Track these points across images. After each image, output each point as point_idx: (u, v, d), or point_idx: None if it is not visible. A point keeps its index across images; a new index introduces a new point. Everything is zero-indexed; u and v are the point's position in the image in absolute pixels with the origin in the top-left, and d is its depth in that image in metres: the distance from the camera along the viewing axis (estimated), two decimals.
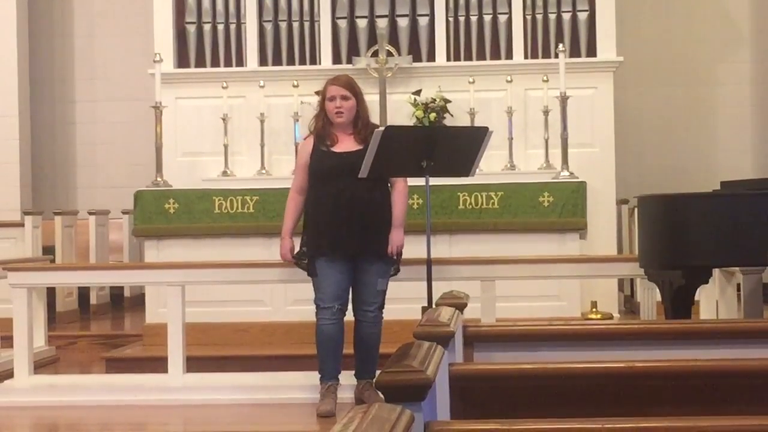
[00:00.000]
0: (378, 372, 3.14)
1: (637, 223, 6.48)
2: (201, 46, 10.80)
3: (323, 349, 6.50)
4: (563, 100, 9.34)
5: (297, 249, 6.64)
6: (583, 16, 10.45)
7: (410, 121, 10.22)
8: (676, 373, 3.63)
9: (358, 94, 6.60)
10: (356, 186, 6.34)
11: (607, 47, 10.45)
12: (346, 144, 6.50)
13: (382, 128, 6.21)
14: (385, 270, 6.50)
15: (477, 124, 9.62)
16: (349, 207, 6.36)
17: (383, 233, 6.45)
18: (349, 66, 10.35)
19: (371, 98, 9.43)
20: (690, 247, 5.70)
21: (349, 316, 6.56)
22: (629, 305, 10.45)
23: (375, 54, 10.44)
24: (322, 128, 6.57)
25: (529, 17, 10.57)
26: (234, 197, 8.70)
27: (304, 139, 6.81)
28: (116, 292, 12.04)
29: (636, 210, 7.77)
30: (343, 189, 6.37)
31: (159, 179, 9.29)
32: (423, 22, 10.57)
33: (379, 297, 6.51)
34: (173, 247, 8.69)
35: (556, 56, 9.69)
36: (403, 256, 6.64)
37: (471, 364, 4.09)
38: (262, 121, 10.24)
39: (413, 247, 6.91)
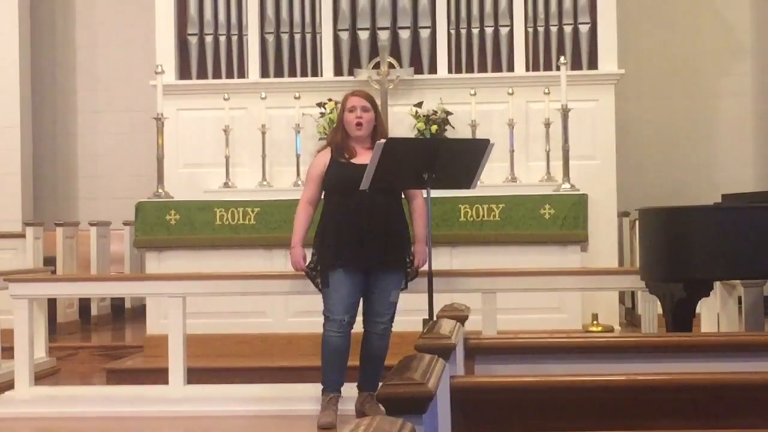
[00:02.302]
0: (380, 384, 3.14)
1: (638, 236, 6.48)
2: (203, 58, 10.81)
3: (328, 361, 6.49)
4: (564, 112, 9.35)
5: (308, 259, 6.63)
6: (584, 29, 10.47)
7: (412, 133, 10.23)
8: (677, 386, 3.63)
9: (376, 108, 6.66)
10: (376, 197, 6.33)
11: (608, 60, 10.46)
12: (364, 156, 6.46)
13: (383, 140, 6.20)
14: (399, 282, 6.52)
15: (478, 136, 9.63)
16: (370, 218, 6.36)
17: (400, 245, 6.49)
18: (351, 78, 10.37)
19: None
20: (691, 260, 5.70)
21: (356, 328, 6.55)
22: (630, 318, 10.44)
23: (377, 66, 10.45)
24: (341, 141, 6.58)
25: (530, 30, 10.58)
26: (235, 209, 8.69)
27: (319, 151, 6.80)
28: (117, 304, 12.03)
29: (637, 222, 7.77)
30: (364, 200, 6.34)
31: (160, 190, 9.28)
32: (424, 34, 10.59)
33: (391, 309, 6.52)
34: (174, 258, 8.69)
35: (558, 69, 9.68)
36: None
37: (472, 376, 4.08)
38: (263, 133, 10.25)
39: None
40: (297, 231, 6.62)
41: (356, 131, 6.53)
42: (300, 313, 8.23)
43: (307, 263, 6.58)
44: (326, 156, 6.61)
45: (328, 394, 6.49)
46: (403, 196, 6.65)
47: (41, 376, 8.13)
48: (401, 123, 10.40)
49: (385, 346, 6.56)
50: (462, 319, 4.27)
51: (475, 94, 10.04)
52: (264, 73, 10.75)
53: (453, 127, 10.34)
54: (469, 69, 10.63)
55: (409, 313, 7.05)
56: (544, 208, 8.56)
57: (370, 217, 6.36)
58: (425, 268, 6.45)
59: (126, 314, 12.03)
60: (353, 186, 6.34)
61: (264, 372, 7.77)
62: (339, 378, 6.53)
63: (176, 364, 7.14)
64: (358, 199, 6.35)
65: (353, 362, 6.63)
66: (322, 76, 10.63)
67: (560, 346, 4.36)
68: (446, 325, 3.76)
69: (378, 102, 10.06)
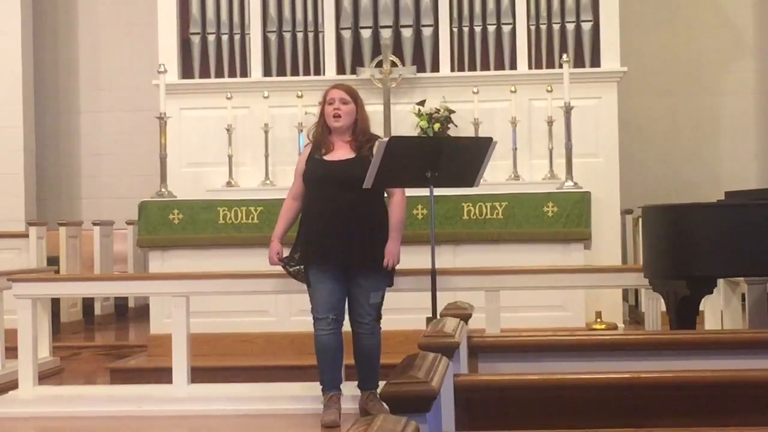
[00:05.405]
0: (382, 383, 3.14)
1: (642, 234, 6.48)
2: (205, 57, 10.82)
3: (322, 360, 6.50)
4: (567, 110, 9.34)
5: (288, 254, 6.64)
6: (587, 27, 10.46)
7: (414, 132, 10.23)
8: (681, 383, 3.62)
9: (357, 101, 6.59)
10: (343, 195, 6.33)
11: (611, 57, 10.45)
12: (340, 152, 6.50)
13: (386, 139, 6.18)
14: (378, 283, 6.44)
15: (481, 134, 9.63)
16: (334, 217, 6.34)
17: (374, 245, 6.39)
18: (354, 76, 10.36)
19: (375, 109, 9.45)
20: (694, 258, 5.70)
21: (348, 326, 6.55)
22: (634, 315, 10.44)
23: (379, 64, 10.45)
24: (321, 135, 6.58)
25: (533, 27, 10.58)
26: (238, 208, 8.70)
27: (305, 146, 6.82)
28: (121, 303, 12.05)
29: (640, 220, 7.77)
30: (330, 198, 6.36)
31: (163, 190, 9.29)
32: (427, 32, 10.59)
33: (373, 310, 6.46)
34: (178, 257, 8.69)
35: (560, 66, 9.69)
36: (408, 267, 6.64)
37: (476, 375, 4.08)
38: (266, 132, 10.26)
39: (417, 258, 6.90)
40: (277, 225, 6.71)
41: (334, 122, 6.51)
42: (303, 311, 8.15)
43: (283, 256, 6.60)
44: (307, 151, 6.65)
45: (327, 392, 6.49)
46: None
47: (45, 376, 8.14)
48: (404, 121, 10.40)
49: (376, 344, 6.53)
50: (465, 318, 4.26)
51: (477, 92, 10.03)
52: (266, 72, 10.75)
53: (456, 126, 10.34)
54: (472, 67, 10.63)
55: (412, 311, 7.07)
56: (547, 206, 8.55)
57: (335, 215, 6.33)
58: (428, 265, 6.43)
59: (129, 314, 12.05)
60: (321, 183, 6.41)
61: (267, 371, 7.78)
62: (335, 375, 6.53)
63: (180, 363, 7.14)
64: (325, 196, 6.39)
65: (352, 361, 6.64)
66: (324, 74, 10.62)
67: (564, 344, 4.36)
68: (450, 324, 3.76)
69: (381, 100, 10.17)
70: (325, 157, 6.50)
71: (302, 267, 6.54)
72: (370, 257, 6.38)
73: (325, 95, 6.63)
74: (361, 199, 6.35)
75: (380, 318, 6.52)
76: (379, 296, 6.46)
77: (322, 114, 6.62)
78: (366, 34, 10.62)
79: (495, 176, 9.77)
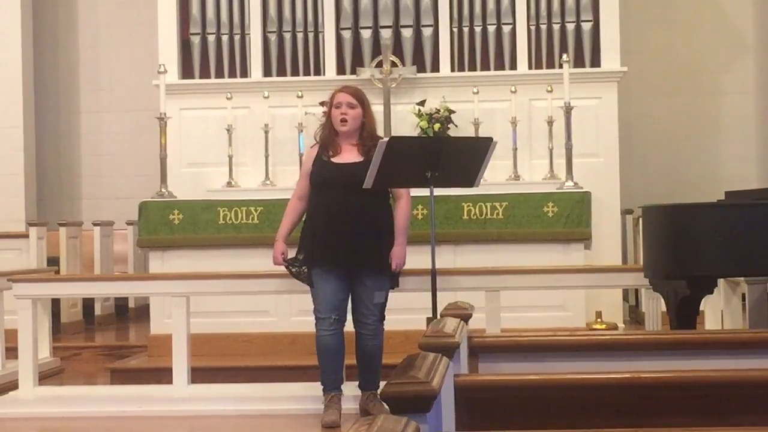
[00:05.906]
0: (383, 383, 3.14)
1: (642, 233, 6.47)
2: (205, 57, 10.82)
3: (323, 360, 6.50)
4: (567, 110, 9.33)
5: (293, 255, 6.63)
6: (587, 27, 10.47)
7: (414, 132, 10.23)
8: (681, 383, 3.62)
9: (365, 105, 6.59)
10: (349, 198, 6.33)
11: (611, 57, 10.46)
12: (347, 155, 6.50)
13: (386, 139, 6.19)
14: (382, 283, 6.45)
15: (481, 134, 9.63)
16: (340, 219, 6.35)
17: (378, 247, 6.41)
18: (354, 77, 10.36)
19: (375, 109, 9.38)
20: (695, 258, 5.70)
21: (350, 327, 6.55)
22: (634, 315, 10.44)
23: (379, 65, 10.45)
24: (328, 137, 6.58)
25: (533, 28, 10.58)
26: (238, 208, 8.69)
27: (311, 147, 6.82)
28: (121, 303, 12.04)
29: (641, 220, 7.77)
30: (336, 200, 6.36)
31: (163, 190, 9.28)
32: (427, 32, 10.59)
33: (376, 310, 6.47)
34: (178, 257, 8.69)
35: (561, 66, 9.69)
36: (408, 267, 6.63)
37: (476, 375, 4.08)
38: (266, 132, 10.26)
39: (417, 258, 6.90)
40: (282, 225, 6.71)
41: (341, 126, 6.51)
42: (303, 311, 8.17)
43: (288, 257, 6.60)
44: (314, 152, 6.64)
45: (328, 393, 6.49)
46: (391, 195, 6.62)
47: (45, 376, 8.14)
48: (404, 121, 10.41)
49: (378, 345, 6.53)
50: (466, 318, 4.26)
51: (477, 93, 10.04)
52: (267, 72, 10.76)
53: (456, 126, 10.34)
54: (472, 67, 10.64)
55: (412, 311, 7.06)
56: (547, 206, 8.55)
57: (341, 217, 6.34)
58: (428, 265, 6.43)
59: (130, 314, 12.04)
60: (328, 185, 6.40)
61: (268, 371, 7.78)
62: (336, 376, 6.53)
63: (180, 363, 7.14)
64: (330, 198, 6.39)
65: (352, 361, 6.63)
66: (324, 75, 10.63)
67: (564, 344, 4.36)
68: (450, 324, 3.76)
69: (381, 100, 10.17)
70: (333, 159, 6.50)
71: (304, 268, 6.55)
72: (376, 258, 6.39)
73: (332, 98, 6.63)
74: (367, 201, 6.36)
75: (383, 319, 6.53)
76: (383, 296, 6.47)
77: (329, 116, 6.62)
78: (366, 34, 10.63)
79: (495, 176, 9.78)
